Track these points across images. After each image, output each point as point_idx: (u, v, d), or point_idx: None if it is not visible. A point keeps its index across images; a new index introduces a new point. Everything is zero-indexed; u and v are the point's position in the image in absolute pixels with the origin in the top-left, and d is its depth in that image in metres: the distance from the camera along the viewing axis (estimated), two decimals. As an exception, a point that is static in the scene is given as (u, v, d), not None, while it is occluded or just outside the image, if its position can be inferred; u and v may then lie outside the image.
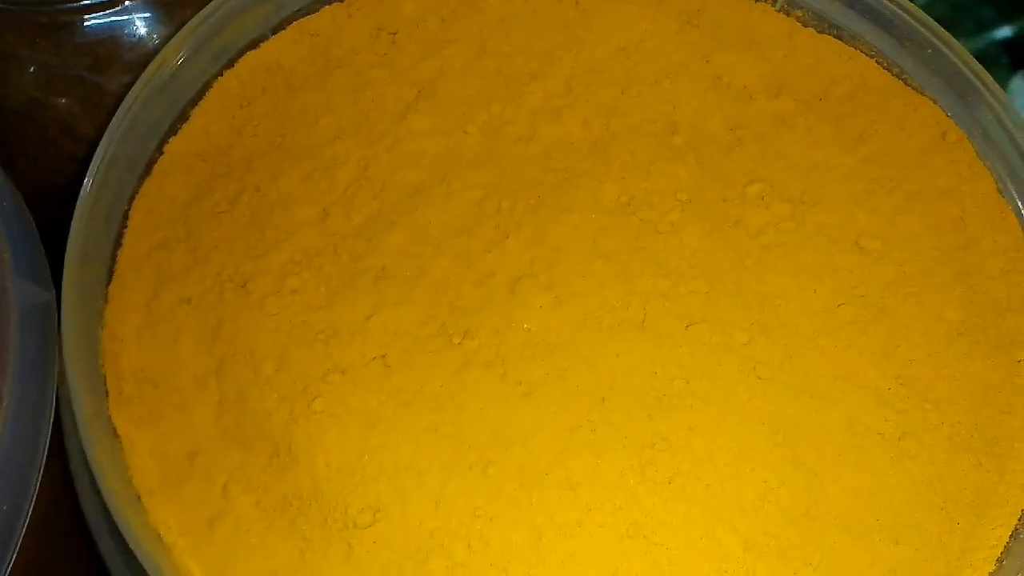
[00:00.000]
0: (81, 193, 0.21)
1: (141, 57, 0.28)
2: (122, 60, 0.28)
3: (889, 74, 0.27)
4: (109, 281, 0.22)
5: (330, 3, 0.28)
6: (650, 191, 0.25)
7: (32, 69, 0.28)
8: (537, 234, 0.24)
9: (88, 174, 0.22)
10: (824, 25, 0.28)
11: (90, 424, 0.19)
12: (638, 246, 0.24)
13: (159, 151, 0.25)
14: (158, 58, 0.24)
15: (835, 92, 0.28)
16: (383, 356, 0.22)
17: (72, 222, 0.21)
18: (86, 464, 0.20)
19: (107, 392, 0.21)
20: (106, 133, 0.22)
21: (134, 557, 0.19)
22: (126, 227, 0.23)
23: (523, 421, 0.22)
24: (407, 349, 0.22)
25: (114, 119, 0.23)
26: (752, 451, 0.22)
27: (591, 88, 0.27)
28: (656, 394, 0.22)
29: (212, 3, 0.26)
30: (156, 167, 0.24)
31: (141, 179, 0.24)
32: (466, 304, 0.23)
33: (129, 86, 0.25)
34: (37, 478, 0.19)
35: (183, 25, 0.26)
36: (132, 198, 0.24)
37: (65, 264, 0.20)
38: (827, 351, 0.23)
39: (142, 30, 0.28)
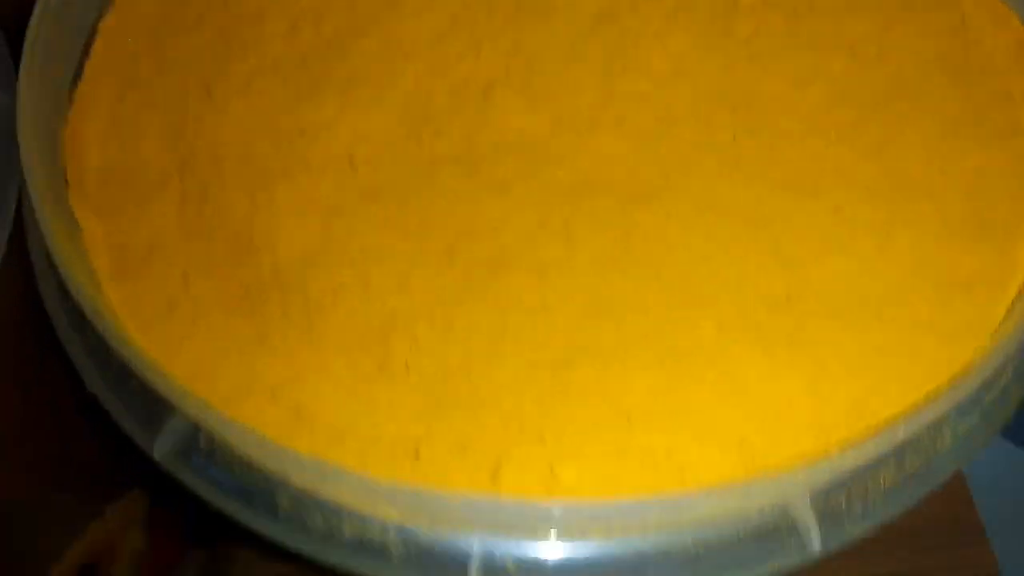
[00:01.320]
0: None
1: None
2: None
3: None
4: (75, 85, 0.22)
5: None
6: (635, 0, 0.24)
7: None
8: (514, 42, 0.24)
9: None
10: None
11: (49, 215, 0.19)
12: (619, 52, 0.23)
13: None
14: None
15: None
16: (350, 155, 0.22)
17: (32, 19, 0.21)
18: (49, 261, 0.20)
19: (67, 184, 0.21)
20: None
21: (102, 357, 0.18)
22: (94, 39, 0.23)
23: (493, 214, 0.21)
24: (375, 149, 0.22)
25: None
26: (731, 241, 0.21)
27: None
28: (632, 189, 0.21)
29: None
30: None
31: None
32: (438, 109, 0.23)
33: None
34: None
35: None
36: (100, 15, 0.23)
37: (23, 60, 0.20)
38: (816, 149, 0.22)
39: None
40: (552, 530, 0.16)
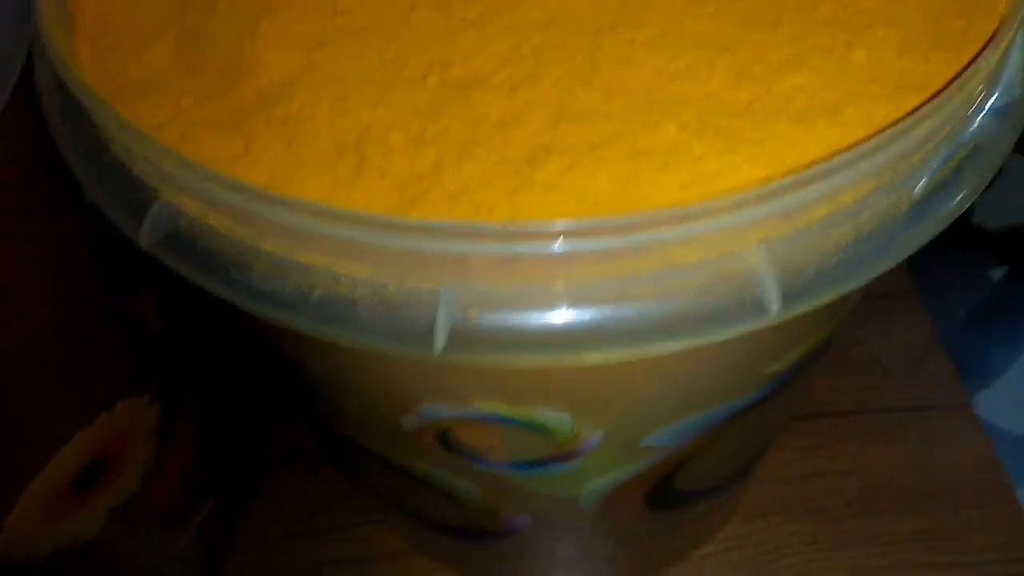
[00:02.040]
0: None
1: None
2: None
3: None
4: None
5: None
6: None
7: None
8: None
9: None
10: None
11: (59, 44, 0.20)
12: None
13: None
14: None
15: None
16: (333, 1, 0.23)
17: None
18: (57, 88, 0.21)
19: (73, 30, 0.22)
20: None
21: (81, 140, 0.20)
22: None
23: (467, 46, 0.22)
24: (357, -5, 0.23)
25: None
26: (695, 62, 0.22)
27: None
28: (600, 22, 0.22)
29: None
30: None
31: None
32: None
33: None
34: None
35: None
36: None
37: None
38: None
39: None
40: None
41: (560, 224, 0.16)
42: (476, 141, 0.20)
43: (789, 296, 0.18)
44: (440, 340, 0.17)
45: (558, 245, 0.17)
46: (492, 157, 0.20)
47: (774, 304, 0.18)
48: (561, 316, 0.17)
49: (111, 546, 0.31)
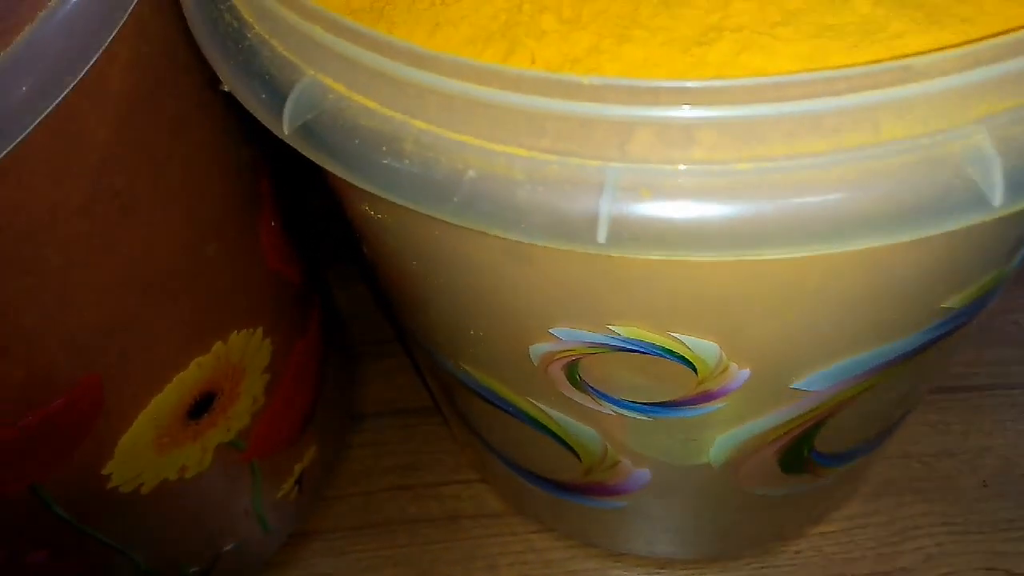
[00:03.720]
0: None
1: None
2: None
3: None
4: None
5: None
6: None
7: None
8: None
9: None
10: None
11: None
12: None
13: None
14: None
15: None
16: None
17: None
18: None
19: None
20: None
21: (219, 25, 0.19)
22: None
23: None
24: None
25: None
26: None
27: None
28: None
29: None
30: None
31: None
32: None
33: None
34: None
35: None
36: None
37: None
38: None
39: None
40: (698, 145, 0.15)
41: (751, 82, 0.14)
42: (637, 21, 0.18)
43: (1016, 184, 0.15)
44: (603, 228, 0.15)
45: (749, 109, 0.14)
46: (656, 38, 0.18)
47: (998, 192, 0.15)
48: (745, 205, 0.15)
49: (216, 483, 0.30)
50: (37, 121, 0.17)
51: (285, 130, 0.17)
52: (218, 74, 0.19)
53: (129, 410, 0.24)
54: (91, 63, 0.18)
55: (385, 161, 0.16)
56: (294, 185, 0.32)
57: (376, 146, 0.16)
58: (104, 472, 0.25)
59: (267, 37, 0.18)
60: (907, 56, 0.17)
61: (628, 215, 0.15)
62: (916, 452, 0.42)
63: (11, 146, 0.16)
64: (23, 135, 0.17)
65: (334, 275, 0.47)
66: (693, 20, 0.18)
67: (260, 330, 0.29)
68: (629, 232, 0.15)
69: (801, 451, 0.29)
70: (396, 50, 0.15)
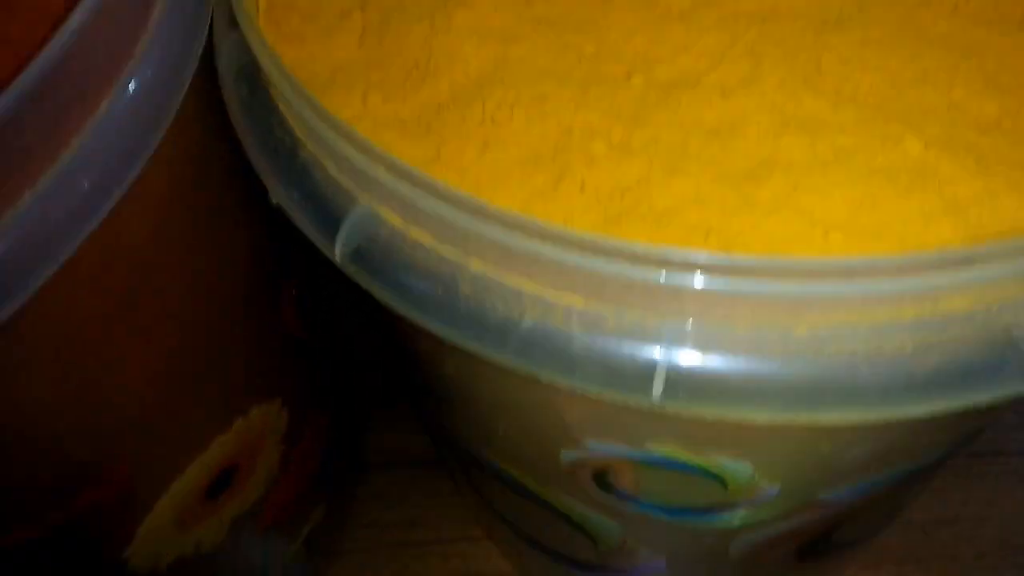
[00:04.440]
0: None
1: None
2: None
3: None
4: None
5: None
6: None
7: None
8: None
9: None
10: None
11: (252, 25, 0.19)
12: None
13: None
14: None
15: None
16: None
17: None
18: (240, 74, 0.20)
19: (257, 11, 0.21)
20: None
21: (269, 136, 0.18)
22: None
23: (673, 41, 0.20)
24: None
25: None
26: (934, 66, 0.19)
27: None
28: (824, 16, 0.20)
29: None
30: None
31: None
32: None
33: None
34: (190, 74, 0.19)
35: None
36: None
37: None
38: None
39: None
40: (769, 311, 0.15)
41: (815, 264, 0.14)
42: (687, 152, 0.18)
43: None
44: (658, 386, 0.15)
45: (810, 286, 0.14)
46: (706, 172, 0.18)
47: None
48: (802, 366, 0.15)
49: (231, 553, 0.30)
50: (85, 236, 0.17)
51: (337, 256, 0.17)
52: (267, 187, 0.18)
53: (152, 496, 0.24)
54: (138, 171, 0.18)
55: (439, 300, 0.16)
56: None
57: (430, 284, 0.16)
58: (124, 556, 0.24)
59: (319, 158, 0.18)
60: (960, 202, 0.17)
61: (684, 372, 0.15)
62: (917, 519, 0.42)
63: (58, 267, 0.16)
64: (70, 254, 0.16)
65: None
66: (743, 154, 0.18)
67: (279, 401, 0.29)
68: (685, 389, 0.15)
69: (819, 543, 0.29)
70: (455, 199, 0.15)
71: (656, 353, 0.15)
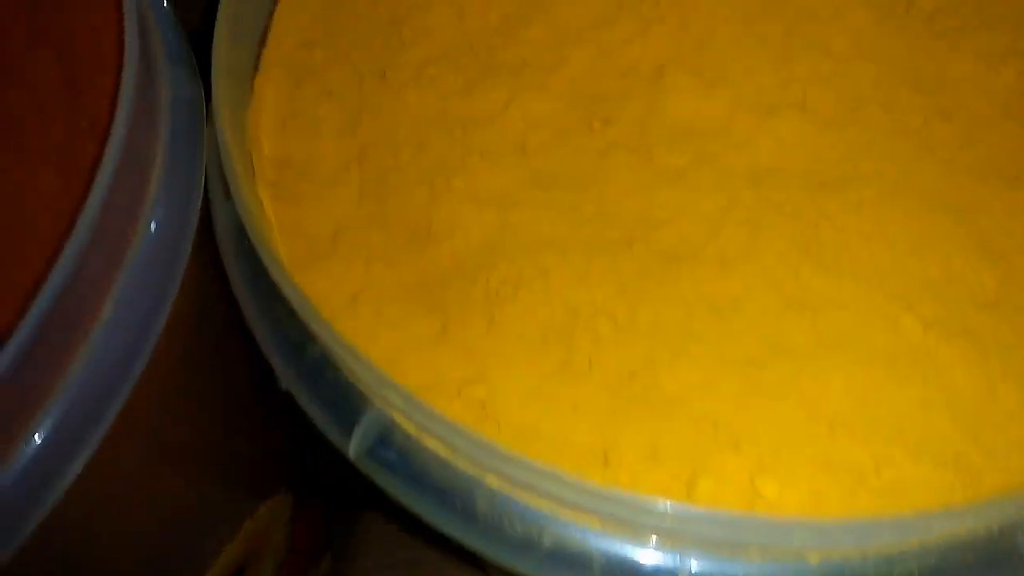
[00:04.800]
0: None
1: None
2: None
3: None
4: (253, 75, 0.22)
5: None
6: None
7: None
8: (683, 22, 0.23)
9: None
10: None
11: (246, 198, 0.19)
12: (796, 30, 0.22)
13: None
14: None
15: None
16: (522, 143, 0.21)
17: (219, 11, 0.21)
18: (241, 250, 0.20)
19: (253, 173, 0.21)
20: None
21: (279, 326, 0.19)
22: (268, 30, 0.23)
23: (671, 203, 0.20)
24: (546, 136, 0.21)
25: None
26: (931, 232, 0.19)
27: None
28: (820, 176, 0.20)
29: None
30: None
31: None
32: (608, 93, 0.22)
33: None
34: (188, 239, 0.19)
35: None
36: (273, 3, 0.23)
37: (214, 47, 0.20)
38: (1014, 134, 0.21)
39: None
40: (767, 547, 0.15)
41: (822, 526, 0.15)
42: (691, 331, 0.19)
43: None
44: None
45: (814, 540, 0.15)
46: (710, 354, 0.18)
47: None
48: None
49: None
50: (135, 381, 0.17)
51: (351, 454, 0.17)
52: (276, 373, 0.19)
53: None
54: (147, 357, 0.18)
55: (457, 508, 0.17)
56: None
57: (448, 496, 0.17)
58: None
59: (331, 358, 0.18)
60: (957, 391, 0.17)
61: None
62: None
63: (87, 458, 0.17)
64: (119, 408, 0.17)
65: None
66: (746, 334, 0.18)
67: (281, 492, 0.30)
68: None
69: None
70: (464, 434, 0.16)
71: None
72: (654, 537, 0.16)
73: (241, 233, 0.19)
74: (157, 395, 0.20)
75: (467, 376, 0.18)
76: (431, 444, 0.17)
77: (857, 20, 0.23)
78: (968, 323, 0.18)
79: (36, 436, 0.16)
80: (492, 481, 0.16)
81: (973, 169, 0.20)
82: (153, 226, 0.19)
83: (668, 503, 0.14)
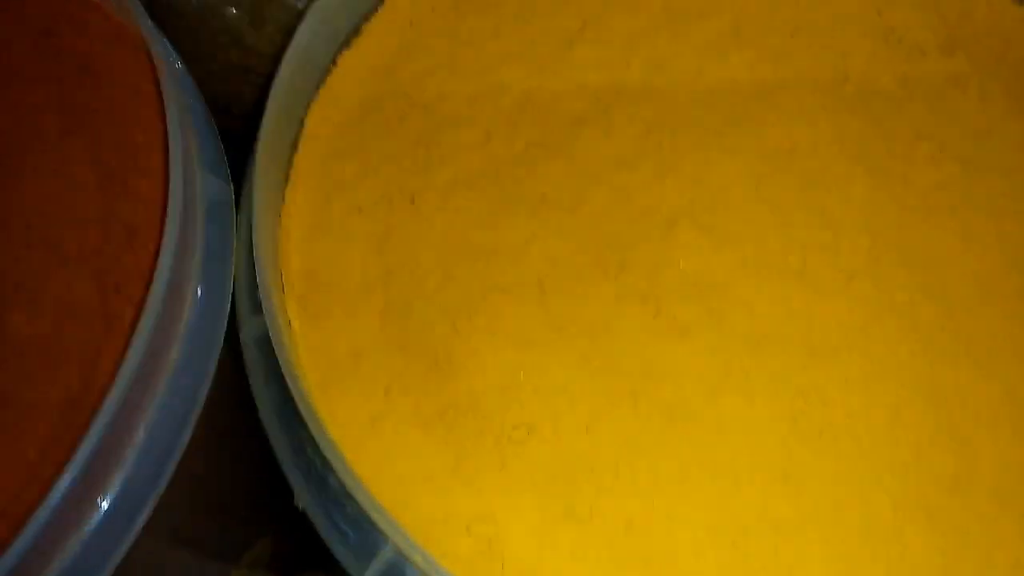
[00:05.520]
0: (269, 98, 0.22)
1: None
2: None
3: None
4: (285, 183, 0.23)
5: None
6: (816, 140, 0.25)
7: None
8: (697, 174, 0.24)
9: (275, 80, 0.22)
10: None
11: (277, 311, 0.20)
12: (801, 195, 0.24)
13: (332, 63, 0.25)
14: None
15: (1011, 56, 0.27)
16: (540, 281, 0.22)
17: (263, 119, 0.22)
18: (263, 349, 0.21)
19: (282, 286, 0.22)
20: (292, 42, 0.23)
21: (299, 441, 0.20)
22: (301, 132, 0.24)
23: (675, 359, 0.22)
24: (563, 277, 0.23)
25: (298, 30, 0.23)
26: (907, 412, 0.21)
27: (759, 31, 0.27)
28: (812, 345, 0.22)
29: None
30: (330, 78, 0.25)
31: (317, 88, 0.25)
32: (623, 238, 0.23)
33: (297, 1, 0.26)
34: (217, 352, 0.20)
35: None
36: (308, 105, 0.24)
37: (256, 158, 0.21)
38: (990, 320, 0.23)
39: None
40: None
41: None
42: (685, 493, 0.20)
43: None
44: None
45: None
46: (701, 519, 0.20)
47: None
48: None
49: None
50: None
51: (362, 584, 0.18)
52: (293, 490, 0.20)
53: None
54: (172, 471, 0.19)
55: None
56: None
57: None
58: None
59: (349, 494, 0.19)
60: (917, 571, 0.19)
61: None
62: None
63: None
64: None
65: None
66: (735, 501, 0.20)
67: (265, 536, 0.31)
68: None
69: None
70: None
71: None
72: None
73: (268, 348, 0.20)
74: (182, 501, 0.21)
75: (477, 513, 0.20)
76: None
77: (858, 190, 0.24)
78: (931, 504, 0.20)
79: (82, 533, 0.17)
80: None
81: (948, 353, 0.22)
82: (188, 348, 0.19)
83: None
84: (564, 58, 0.26)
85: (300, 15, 0.27)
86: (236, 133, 0.25)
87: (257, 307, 0.21)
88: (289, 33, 0.28)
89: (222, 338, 0.20)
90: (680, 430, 0.21)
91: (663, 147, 0.25)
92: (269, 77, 0.29)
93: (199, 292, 0.20)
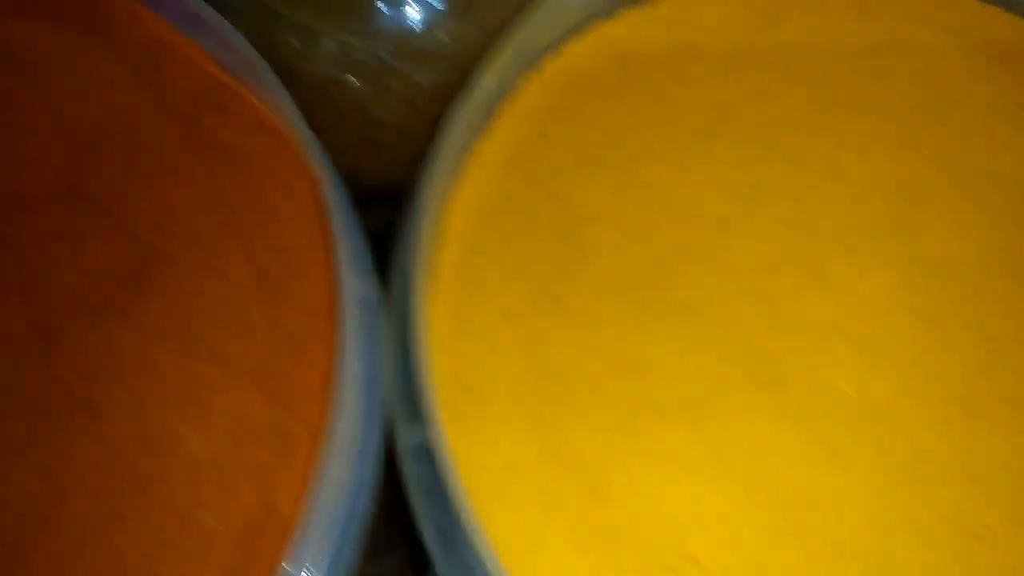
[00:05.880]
0: (421, 195, 0.21)
1: (431, 45, 0.28)
2: (413, 47, 0.28)
3: None
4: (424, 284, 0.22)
5: (628, 7, 0.27)
6: (975, 251, 0.24)
7: (330, 45, 0.28)
8: (848, 285, 0.23)
9: (426, 174, 0.22)
10: None
11: (437, 418, 0.19)
12: (961, 312, 0.23)
13: (467, 151, 0.24)
14: (480, 75, 0.24)
15: None
16: (693, 400, 0.21)
17: (415, 222, 0.21)
18: (422, 463, 0.20)
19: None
20: (445, 129, 0.22)
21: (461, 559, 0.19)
22: (440, 227, 0.23)
23: (835, 489, 0.21)
24: (715, 393, 0.22)
25: (448, 119, 0.22)
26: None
27: (905, 126, 0.26)
28: (983, 483, 0.21)
29: (528, 12, 0.25)
30: (468, 170, 0.24)
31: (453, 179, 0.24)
32: (772, 353, 0.22)
33: (416, 74, 0.26)
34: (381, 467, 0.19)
35: (473, 17, 0.26)
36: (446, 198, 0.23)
37: (409, 255, 0.20)
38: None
39: (435, 21, 0.28)
40: None
41: None
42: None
43: None
44: None
45: None
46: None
47: None
48: None
49: None
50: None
51: None
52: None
53: None
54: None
55: None
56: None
57: None
58: None
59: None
60: None
61: None
62: None
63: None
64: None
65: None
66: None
67: None
68: None
69: None
70: None
71: None
72: None
73: (427, 460, 0.19)
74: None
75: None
76: None
77: (1017, 305, 0.23)
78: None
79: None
80: None
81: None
82: (358, 471, 0.18)
83: None
84: (704, 152, 0.25)
85: (418, 86, 0.27)
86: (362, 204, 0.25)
87: (411, 415, 0.20)
88: (410, 103, 0.28)
89: (382, 452, 0.20)
90: (851, 569, 0.20)
91: (809, 251, 0.24)
92: (394, 149, 0.28)
93: (362, 406, 0.19)
